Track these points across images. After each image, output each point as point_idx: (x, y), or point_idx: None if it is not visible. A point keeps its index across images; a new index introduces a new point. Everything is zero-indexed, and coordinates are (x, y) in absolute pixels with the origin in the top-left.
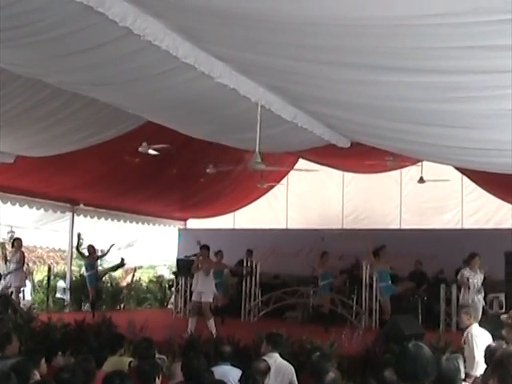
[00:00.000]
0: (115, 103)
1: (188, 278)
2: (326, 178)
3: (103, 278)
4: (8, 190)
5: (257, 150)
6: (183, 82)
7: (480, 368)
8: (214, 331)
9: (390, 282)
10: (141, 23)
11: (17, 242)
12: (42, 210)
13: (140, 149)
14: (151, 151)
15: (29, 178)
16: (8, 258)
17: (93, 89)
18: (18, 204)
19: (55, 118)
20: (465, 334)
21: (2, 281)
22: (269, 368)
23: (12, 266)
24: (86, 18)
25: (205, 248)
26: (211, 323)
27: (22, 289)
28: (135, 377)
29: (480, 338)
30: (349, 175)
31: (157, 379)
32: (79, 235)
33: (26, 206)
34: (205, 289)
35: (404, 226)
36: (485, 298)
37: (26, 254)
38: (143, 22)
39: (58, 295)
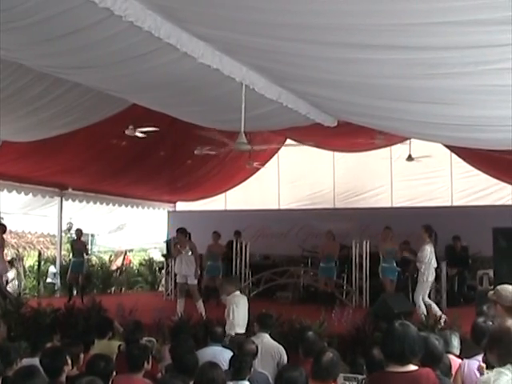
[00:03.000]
0: (99, 87)
1: None
2: (316, 158)
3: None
4: None
5: (242, 130)
6: (166, 64)
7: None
8: (203, 313)
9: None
10: (121, 4)
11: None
12: (31, 195)
13: (127, 132)
14: (138, 134)
15: (16, 163)
16: None
17: (76, 72)
18: (5, 190)
19: (39, 102)
20: (229, 298)
21: None
22: (257, 349)
23: None
24: (65, 1)
25: (181, 231)
26: (200, 304)
27: (5, 276)
28: (124, 360)
29: (240, 303)
30: (339, 154)
31: (145, 363)
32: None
33: (14, 192)
34: (190, 272)
35: (395, 205)
36: (474, 275)
37: (12, 240)
38: (123, 3)
39: (49, 280)
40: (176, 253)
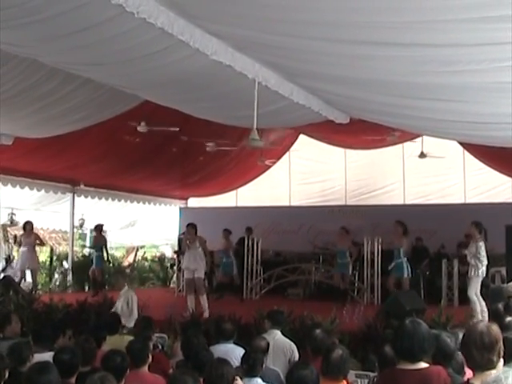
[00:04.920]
0: (112, 83)
1: None
2: (328, 155)
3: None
4: (8, 172)
5: (254, 127)
6: (179, 60)
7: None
8: (206, 307)
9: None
10: (134, 0)
11: (28, 225)
12: (43, 191)
13: (139, 128)
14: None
15: (28, 159)
16: (10, 240)
17: (88, 69)
18: (18, 186)
19: (51, 98)
20: (123, 292)
21: (12, 263)
22: (268, 345)
23: (24, 249)
24: None
25: (191, 226)
26: (204, 299)
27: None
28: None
29: (134, 297)
30: (351, 151)
31: (147, 357)
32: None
33: (26, 188)
34: (198, 265)
35: (408, 202)
36: (487, 272)
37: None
38: None
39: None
40: (185, 247)
